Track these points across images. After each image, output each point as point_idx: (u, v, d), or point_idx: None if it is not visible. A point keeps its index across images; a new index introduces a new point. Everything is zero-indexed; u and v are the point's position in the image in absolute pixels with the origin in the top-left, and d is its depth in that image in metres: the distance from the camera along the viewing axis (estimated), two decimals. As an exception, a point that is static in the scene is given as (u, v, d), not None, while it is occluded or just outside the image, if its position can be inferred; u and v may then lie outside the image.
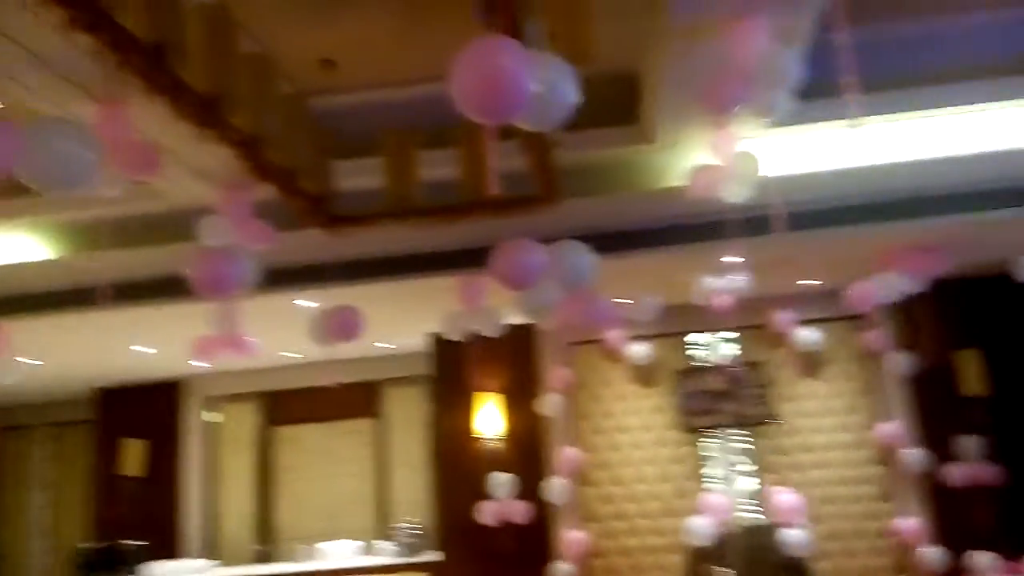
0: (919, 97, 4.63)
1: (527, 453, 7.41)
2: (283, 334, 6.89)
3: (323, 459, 9.03)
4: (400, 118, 4.65)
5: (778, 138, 4.66)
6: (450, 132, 4.47)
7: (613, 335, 7.39)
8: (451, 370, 7.55)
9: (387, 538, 8.31)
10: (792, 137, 4.73)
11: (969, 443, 6.72)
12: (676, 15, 3.67)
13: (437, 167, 4.47)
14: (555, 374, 7.49)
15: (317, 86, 4.51)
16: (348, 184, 4.72)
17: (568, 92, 2.31)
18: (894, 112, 4.65)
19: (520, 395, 7.49)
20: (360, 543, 8.28)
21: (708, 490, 7.08)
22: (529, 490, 7.18)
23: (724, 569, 6.30)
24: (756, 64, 3.35)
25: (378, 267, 5.76)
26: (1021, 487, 6.65)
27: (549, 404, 7.39)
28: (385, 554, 8.07)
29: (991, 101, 4.66)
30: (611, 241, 4.96)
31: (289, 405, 9.10)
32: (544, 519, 7.25)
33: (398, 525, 8.20)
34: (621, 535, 7.32)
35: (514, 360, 7.51)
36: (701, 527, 6.02)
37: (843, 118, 3.41)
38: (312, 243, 5.04)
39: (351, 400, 8.99)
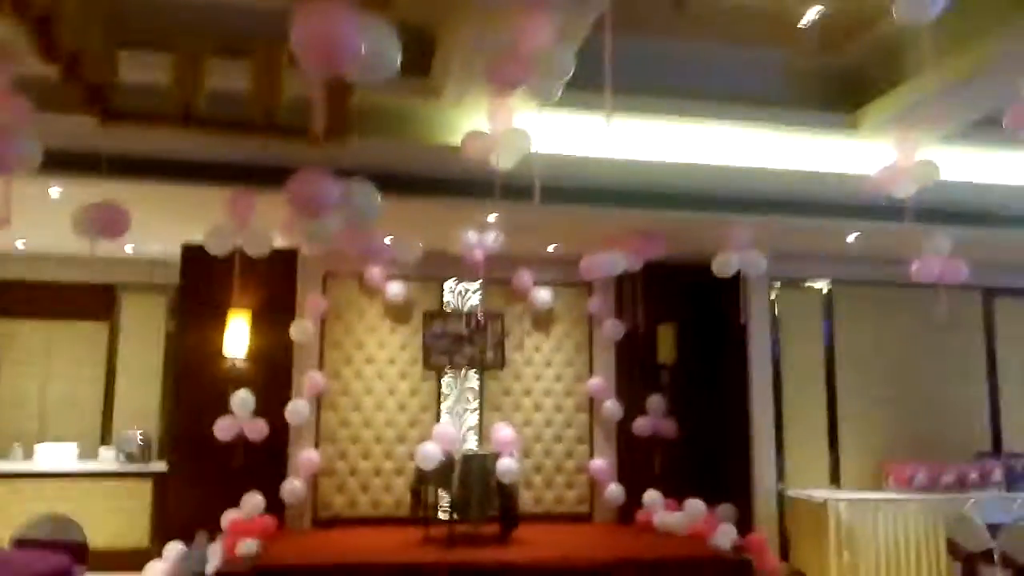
0: (666, 106, 5.54)
1: (273, 374, 7.61)
2: (25, 221, 6.50)
3: (46, 358, 8.54)
4: (200, 19, 4.65)
5: (546, 119, 5.32)
6: (247, 44, 4.58)
7: (374, 271, 7.78)
8: (201, 283, 7.50)
9: (110, 445, 8.13)
10: (558, 120, 5.41)
11: (655, 401, 8.08)
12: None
13: (228, 77, 4.55)
14: (311, 301, 7.74)
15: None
16: (132, 77, 4.65)
17: (392, 55, 2.69)
18: (644, 115, 5.54)
19: (272, 317, 7.66)
20: (79, 448, 8.02)
21: (439, 422, 7.80)
22: (270, 410, 7.41)
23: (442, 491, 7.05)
24: (538, 53, 3.92)
25: (147, 167, 5.62)
26: (690, 440, 8.11)
27: (301, 329, 7.65)
28: (106, 461, 7.91)
29: (722, 120, 5.69)
30: (390, 183, 5.32)
31: (13, 297, 8.46)
32: (281, 439, 7.53)
33: (123, 433, 8.05)
34: (354, 457, 7.82)
35: (270, 281, 7.63)
36: (428, 452, 6.68)
37: (602, 111, 4.07)
38: (80, 131, 4.88)
39: (83, 300, 8.59)
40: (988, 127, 5.42)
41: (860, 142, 5.79)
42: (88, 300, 8.63)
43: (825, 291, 8.24)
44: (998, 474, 7.78)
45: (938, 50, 4.57)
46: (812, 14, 5.06)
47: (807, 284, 8.24)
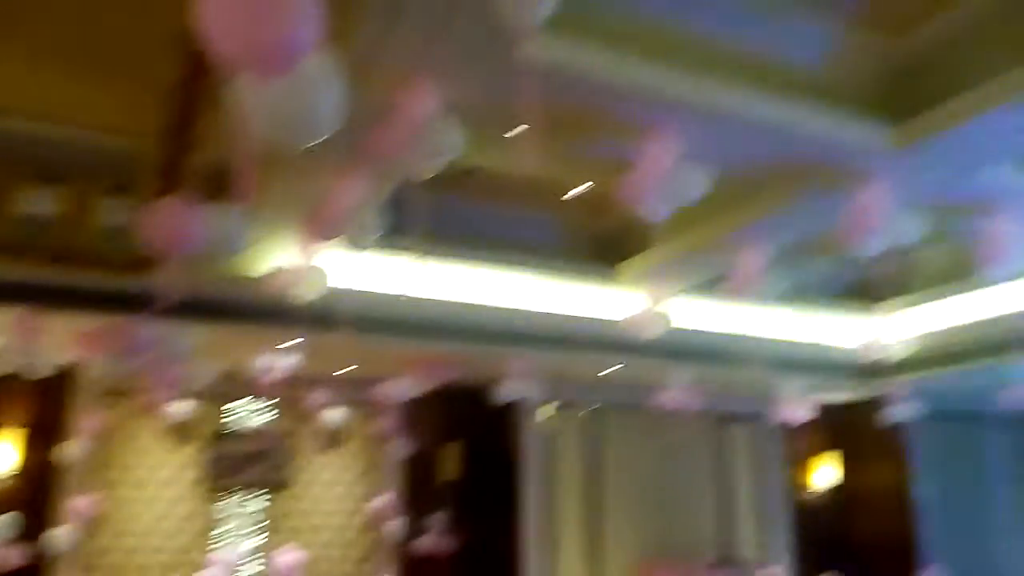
0: (458, 253, 6.23)
1: (38, 495, 7.12)
2: None
3: None
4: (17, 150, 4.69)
5: (352, 258, 5.79)
6: (59, 175, 4.68)
7: (158, 391, 7.60)
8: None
9: None
10: (363, 260, 5.89)
11: (437, 519, 8.43)
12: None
13: (40, 203, 4.61)
14: (85, 420, 7.39)
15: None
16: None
17: (240, 239, 3.05)
18: (439, 258, 6.19)
19: (42, 436, 7.22)
20: None
21: (217, 547, 7.62)
22: (32, 533, 6.89)
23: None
24: (349, 210, 4.41)
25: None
26: (468, 556, 8.49)
27: (71, 449, 7.26)
28: None
29: (506, 267, 6.47)
30: (190, 309, 5.44)
31: None
32: (42, 565, 6.98)
33: None
34: (120, 586, 7.39)
35: (44, 399, 7.24)
36: (206, 580, 6.55)
37: (410, 255, 4.57)
38: None
39: None
40: (720, 285, 6.62)
41: (621, 291, 6.79)
42: None
43: (592, 414, 9.18)
44: (733, 579, 8.91)
45: (678, 226, 5.65)
46: (581, 189, 6.04)
47: (576, 408, 9.14)
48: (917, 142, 4.29)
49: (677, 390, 7.47)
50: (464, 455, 8.74)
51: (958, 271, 7.00)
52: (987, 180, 4.80)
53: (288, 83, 1.62)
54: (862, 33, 4.44)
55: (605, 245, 6.75)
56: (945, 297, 7.43)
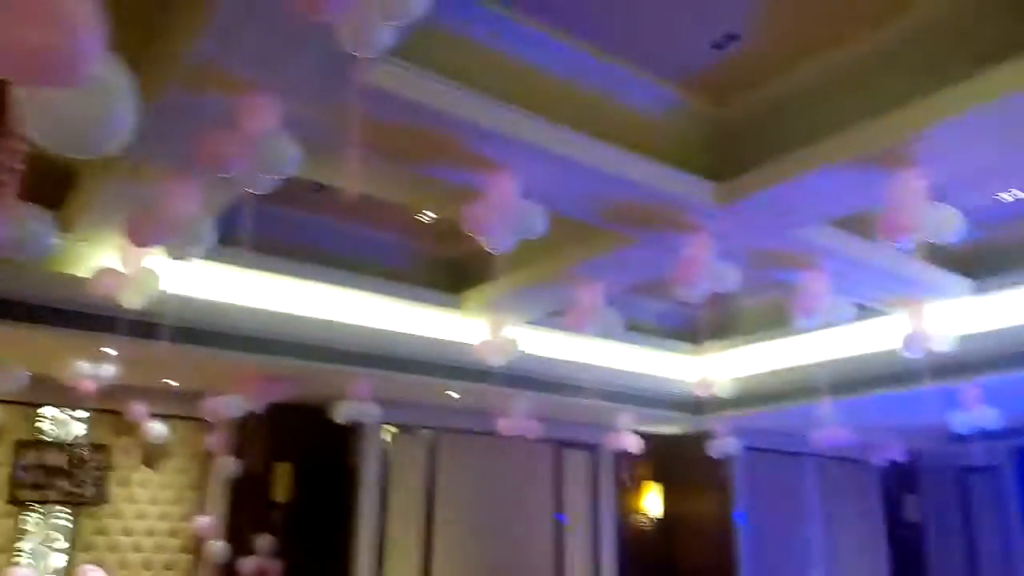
0: (299, 267, 6.09)
1: None
2: None
3: None
4: None
5: (183, 266, 5.52)
6: None
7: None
8: None
9: None
10: (191, 266, 5.63)
11: (264, 541, 8.12)
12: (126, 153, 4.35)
13: None
14: None
15: None
16: None
17: (46, 240, 2.85)
18: (279, 272, 6.02)
19: None
20: None
21: (18, 564, 7.01)
22: None
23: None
24: (180, 219, 4.23)
25: None
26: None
27: None
28: None
29: (348, 286, 6.37)
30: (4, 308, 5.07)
31: None
32: None
33: None
34: None
35: None
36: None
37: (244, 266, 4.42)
38: None
39: None
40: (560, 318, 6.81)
41: (464, 318, 6.85)
42: None
43: (431, 437, 9.16)
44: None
45: (522, 258, 5.78)
46: (426, 215, 6.07)
47: (416, 431, 9.09)
48: (738, 199, 4.62)
49: (516, 417, 7.61)
50: (297, 476, 8.49)
51: (775, 319, 7.54)
52: (802, 237, 5.21)
53: (71, 93, 1.55)
54: (695, 95, 4.75)
55: (451, 272, 6.81)
56: (763, 342, 7.98)
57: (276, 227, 5.56)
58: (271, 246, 5.34)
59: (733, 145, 4.77)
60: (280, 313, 6.22)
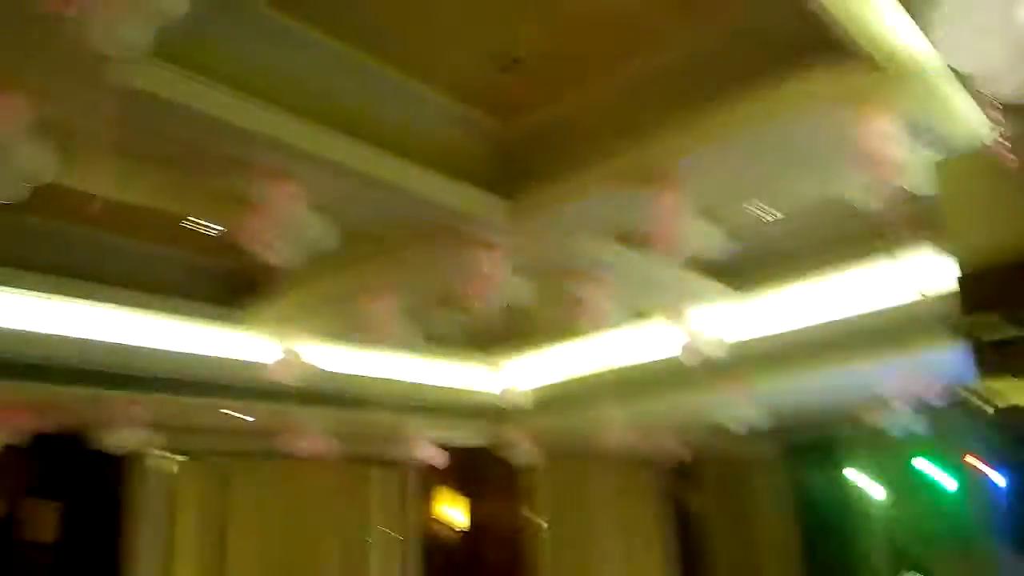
0: (56, 284, 5.52)
1: None
2: None
3: None
4: None
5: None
6: None
7: None
8: None
9: None
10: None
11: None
12: None
13: None
14: None
15: None
16: None
17: None
18: (31, 290, 5.43)
19: None
20: None
21: None
22: None
23: None
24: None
25: None
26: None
27: None
28: None
29: (118, 303, 5.86)
30: None
31: None
32: None
33: None
34: None
35: None
36: None
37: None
38: None
39: None
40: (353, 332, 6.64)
41: (249, 334, 6.51)
42: None
43: (223, 464, 8.61)
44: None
45: (310, 272, 5.56)
46: (202, 225, 5.72)
47: (206, 457, 8.51)
48: (525, 215, 4.73)
49: (311, 436, 7.33)
50: (62, 514, 7.65)
51: (567, 329, 7.81)
52: (587, 251, 5.44)
53: None
54: (481, 114, 4.83)
55: (234, 286, 6.44)
56: (556, 350, 8.26)
57: (26, 240, 4.99)
58: (21, 260, 4.76)
59: (518, 164, 4.88)
60: (34, 334, 5.60)
